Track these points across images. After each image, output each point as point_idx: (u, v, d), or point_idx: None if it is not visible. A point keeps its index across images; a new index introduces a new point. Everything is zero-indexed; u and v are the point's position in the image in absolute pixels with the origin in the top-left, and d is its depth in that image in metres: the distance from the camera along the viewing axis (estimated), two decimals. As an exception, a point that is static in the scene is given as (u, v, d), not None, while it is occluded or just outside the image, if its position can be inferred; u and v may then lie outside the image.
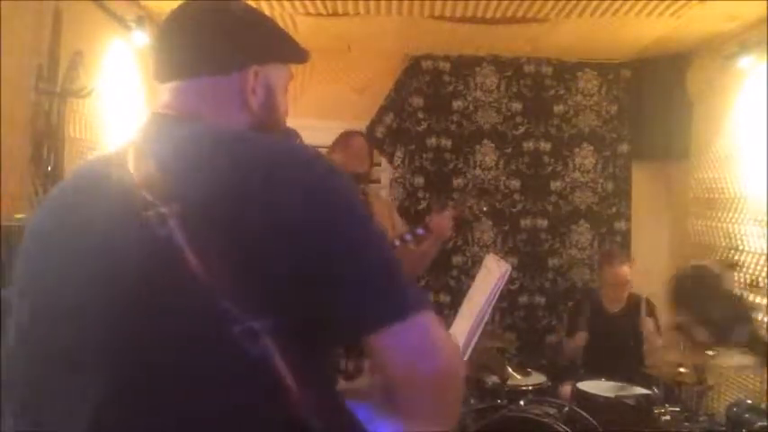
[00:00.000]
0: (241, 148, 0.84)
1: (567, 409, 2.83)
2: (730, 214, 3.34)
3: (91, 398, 0.78)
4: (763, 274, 3.02)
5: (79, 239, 0.85)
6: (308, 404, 0.78)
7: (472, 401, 3.05)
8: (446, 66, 4.05)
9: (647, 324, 3.29)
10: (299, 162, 0.84)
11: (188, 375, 0.77)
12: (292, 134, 1.26)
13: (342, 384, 0.91)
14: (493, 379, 3.07)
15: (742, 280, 3.20)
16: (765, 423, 2.54)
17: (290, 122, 1.16)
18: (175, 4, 1.02)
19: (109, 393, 0.78)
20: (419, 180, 4.04)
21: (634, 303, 3.52)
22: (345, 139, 2.92)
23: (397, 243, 2.69)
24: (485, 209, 2.89)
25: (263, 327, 0.75)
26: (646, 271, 3.71)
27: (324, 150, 2.86)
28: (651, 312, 3.45)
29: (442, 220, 2.73)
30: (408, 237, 2.72)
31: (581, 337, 3.42)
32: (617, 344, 3.34)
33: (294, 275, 0.77)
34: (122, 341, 0.79)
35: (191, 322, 0.77)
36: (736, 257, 3.27)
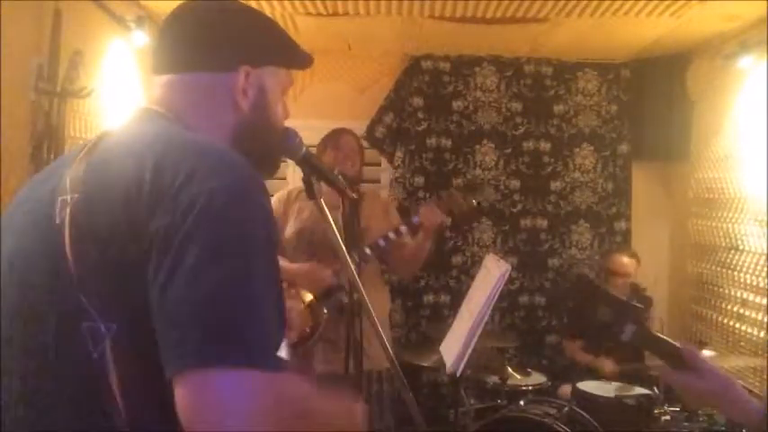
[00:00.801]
0: (159, 150, 0.82)
1: (566, 409, 2.83)
2: (730, 214, 3.34)
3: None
4: (763, 274, 3.02)
5: (15, 219, 0.90)
6: (127, 421, 0.76)
7: (472, 401, 3.05)
8: (446, 66, 4.04)
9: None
10: (199, 172, 0.79)
11: (40, 364, 0.81)
12: (291, 134, 1.26)
13: None
14: (493, 379, 3.07)
15: (742, 280, 3.21)
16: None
17: (290, 122, 1.16)
18: (175, 5, 1.02)
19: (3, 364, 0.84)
20: (419, 180, 4.04)
21: (636, 301, 3.53)
22: (335, 137, 2.88)
23: (392, 236, 2.69)
24: (476, 203, 2.87)
25: (107, 329, 0.76)
26: (653, 280, 3.71)
27: (312, 149, 2.85)
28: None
29: (430, 210, 2.74)
30: (403, 228, 2.72)
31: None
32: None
33: (140, 293, 0.75)
34: (6, 317, 0.84)
35: (51, 307, 0.80)
36: (737, 257, 3.27)
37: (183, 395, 0.71)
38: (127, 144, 0.87)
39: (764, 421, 1.09)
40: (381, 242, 2.67)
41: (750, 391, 2.88)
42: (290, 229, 2.78)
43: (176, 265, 0.73)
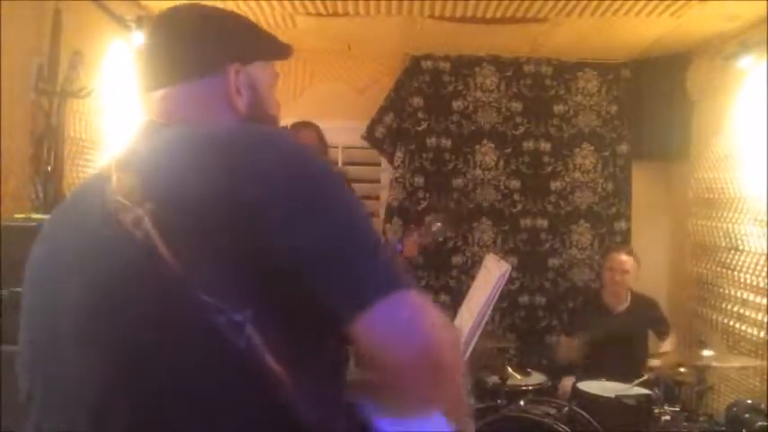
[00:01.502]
0: (212, 144, 0.84)
1: (566, 409, 2.84)
2: (730, 214, 3.34)
3: (87, 405, 0.81)
4: (763, 274, 3.02)
5: (69, 257, 0.87)
6: (299, 396, 0.76)
7: (472, 401, 3.05)
8: (446, 66, 4.04)
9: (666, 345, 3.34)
10: (269, 152, 0.83)
11: (179, 372, 0.78)
12: (290, 134, 1.26)
13: (350, 375, 0.89)
14: (493, 379, 3.07)
15: (742, 280, 3.21)
16: (765, 423, 2.55)
17: (291, 122, 1.16)
18: (175, 5, 1.02)
19: (104, 401, 0.80)
20: (419, 180, 4.04)
21: (639, 302, 3.53)
22: (295, 131, 2.79)
23: None
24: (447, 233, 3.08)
25: (245, 317, 0.75)
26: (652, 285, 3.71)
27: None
28: (653, 307, 3.50)
29: (412, 246, 2.84)
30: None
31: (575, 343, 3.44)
32: (619, 344, 3.34)
33: (267, 266, 0.76)
34: (115, 346, 0.80)
35: (175, 318, 0.78)
36: (737, 257, 3.27)
37: (391, 315, 0.76)
38: (173, 146, 0.87)
39: None
40: None
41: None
42: None
43: (320, 227, 0.78)
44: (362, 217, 0.85)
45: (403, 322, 0.77)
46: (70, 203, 0.98)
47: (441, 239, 3.20)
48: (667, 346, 3.37)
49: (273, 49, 1.08)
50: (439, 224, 3.23)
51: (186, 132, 0.90)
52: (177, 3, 1.03)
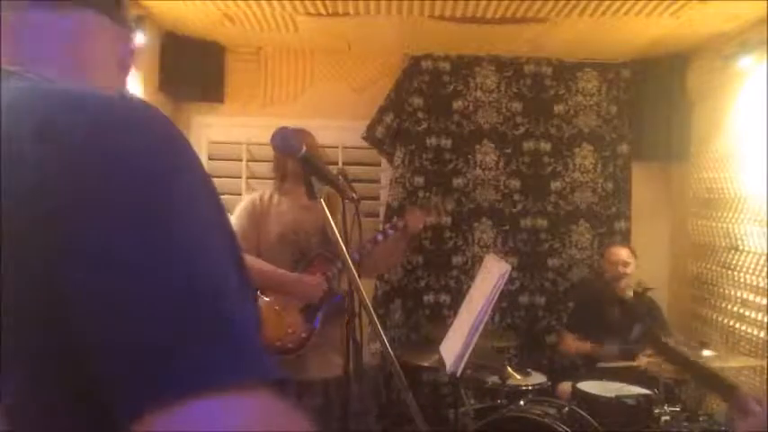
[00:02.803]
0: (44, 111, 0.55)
1: (566, 409, 2.83)
2: (730, 214, 3.34)
3: None
4: (763, 274, 3.02)
5: None
6: None
7: (472, 401, 3.05)
8: (446, 66, 4.04)
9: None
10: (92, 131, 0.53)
11: None
12: (290, 134, 1.26)
13: None
14: (493, 379, 3.07)
15: (742, 280, 3.21)
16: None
17: (291, 122, 1.16)
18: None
19: None
20: (419, 180, 4.04)
21: (640, 298, 3.53)
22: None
23: (380, 238, 2.69)
24: (449, 207, 2.97)
25: None
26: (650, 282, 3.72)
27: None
28: (653, 306, 3.52)
29: (414, 215, 2.77)
30: (390, 231, 2.74)
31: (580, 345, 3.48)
32: (620, 331, 3.36)
33: (39, 305, 0.48)
34: None
35: None
36: (737, 257, 3.27)
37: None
38: None
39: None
40: (368, 245, 2.64)
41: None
42: (272, 232, 2.66)
43: (112, 238, 0.49)
44: (213, 247, 0.53)
45: None
46: None
47: (446, 214, 3.10)
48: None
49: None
50: (437, 198, 3.19)
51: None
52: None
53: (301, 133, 2.81)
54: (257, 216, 2.66)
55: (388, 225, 2.80)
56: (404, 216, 2.78)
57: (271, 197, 2.72)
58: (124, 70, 0.82)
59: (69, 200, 0.49)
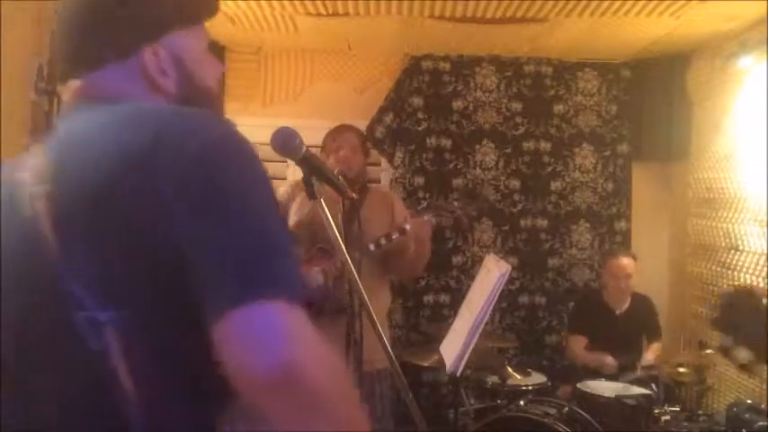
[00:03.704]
0: (120, 127, 0.79)
1: (566, 409, 2.83)
2: (730, 214, 3.34)
3: None
4: (763, 274, 3.02)
5: None
6: (143, 416, 0.70)
7: (472, 401, 3.05)
8: (446, 66, 4.04)
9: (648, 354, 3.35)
10: (181, 139, 0.76)
11: (33, 359, 0.76)
12: (291, 135, 1.26)
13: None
14: (493, 379, 3.07)
15: (742, 280, 3.21)
16: (765, 423, 2.54)
17: (291, 122, 1.16)
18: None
19: None
20: (419, 180, 4.04)
21: (638, 303, 3.53)
22: (334, 134, 2.79)
23: (395, 236, 2.64)
24: (474, 213, 2.89)
25: (107, 318, 0.70)
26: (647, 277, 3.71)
27: (313, 149, 2.82)
28: (651, 312, 3.50)
29: (419, 223, 2.70)
30: (407, 226, 2.69)
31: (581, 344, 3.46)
32: (621, 344, 3.34)
33: (152, 261, 0.72)
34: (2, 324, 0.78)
35: (42, 303, 0.75)
36: (737, 257, 3.27)
37: (245, 328, 0.67)
38: (81, 126, 0.83)
39: None
40: (383, 240, 2.63)
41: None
42: (291, 220, 2.73)
43: (210, 218, 0.72)
44: (273, 217, 0.77)
45: (259, 335, 0.67)
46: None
47: (451, 221, 3.03)
48: (650, 354, 3.38)
49: (194, 11, 0.94)
50: (456, 202, 3.14)
51: (101, 113, 0.83)
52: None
53: (349, 130, 2.85)
54: (283, 202, 2.75)
55: (392, 229, 2.73)
56: (412, 219, 2.72)
57: (300, 187, 2.77)
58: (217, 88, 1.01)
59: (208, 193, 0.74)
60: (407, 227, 2.65)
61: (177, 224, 0.71)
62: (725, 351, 3.17)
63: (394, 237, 2.64)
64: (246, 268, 0.70)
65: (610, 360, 3.25)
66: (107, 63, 0.87)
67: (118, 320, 0.70)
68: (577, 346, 3.49)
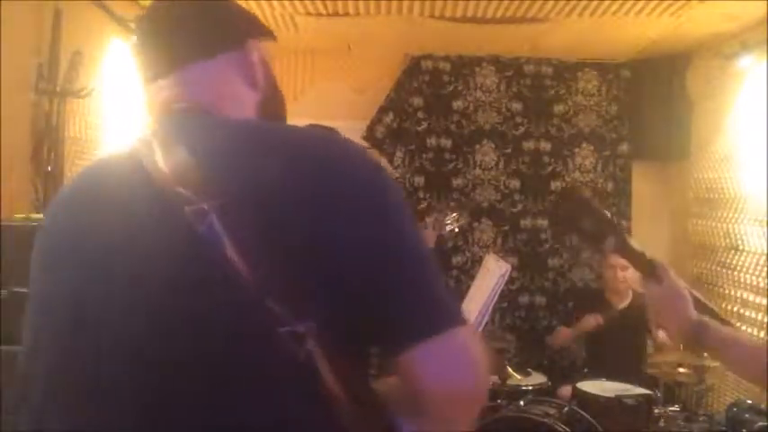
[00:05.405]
0: (284, 141, 0.81)
1: (566, 409, 2.83)
2: (730, 214, 3.34)
3: (131, 402, 0.75)
4: (763, 274, 3.02)
5: (104, 242, 0.80)
6: (351, 412, 0.75)
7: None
8: (446, 66, 4.05)
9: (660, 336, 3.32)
10: (349, 156, 0.82)
11: (232, 376, 0.73)
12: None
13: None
14: (493, 379, 3.07)
15: (742, 280, 3.21)
16: (765, 423, 2.55)
17: (291, 122, 1.16)
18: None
19: (150, 398, 0.74)
20: (419, 180, 4.04)
21: (640, 301, 3.53)
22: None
23: None
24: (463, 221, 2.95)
25: (308, 329, 0.72)
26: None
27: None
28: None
29: (428, 236, 2.76)
30: None
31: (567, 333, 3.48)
32: (621, 341, 3.35)
33: (340, 279, 0.74)
34: (163, 342, 0.74)
35: (235, 322, 0.73)
36: (737, 257, 3.27)
37: (446, 353, 0.76)
38: (236, 139, 0.82)
39: (692, 336, 1.26)
40: None
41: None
42: None
43: (395, 246, 0.78)
44: (423, 241, 0.86)
45: (454, 359, 0.78)
46: (97, 185, 0.87)
47: (455, 230, 3.11)
48: (661, 335, 3.36)
49: (265, 29, 1.01)
50: (454, 214, 3.19)
51: (251, 127, 0.86)
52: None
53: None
54: None
55: None
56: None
57: None
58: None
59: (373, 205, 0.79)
60: None
61: (357, 254, 0.75)
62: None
63: None
64: (439, 297, 0.79)
65: (598, 319, 3.33)
66: (214, 54, 0.91)
67: (314, 330, 0.73)
68: (561, 331, 3.52)
